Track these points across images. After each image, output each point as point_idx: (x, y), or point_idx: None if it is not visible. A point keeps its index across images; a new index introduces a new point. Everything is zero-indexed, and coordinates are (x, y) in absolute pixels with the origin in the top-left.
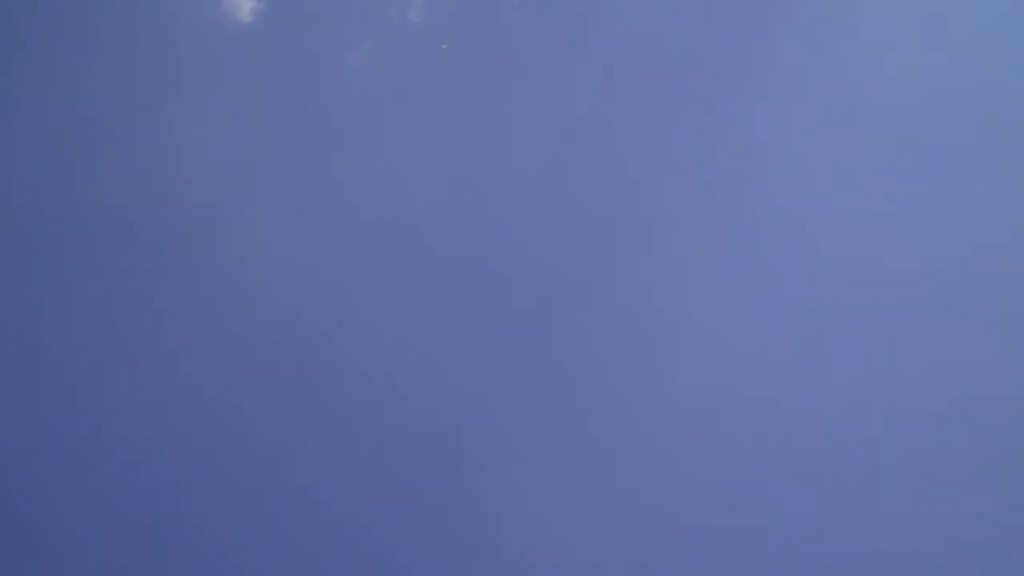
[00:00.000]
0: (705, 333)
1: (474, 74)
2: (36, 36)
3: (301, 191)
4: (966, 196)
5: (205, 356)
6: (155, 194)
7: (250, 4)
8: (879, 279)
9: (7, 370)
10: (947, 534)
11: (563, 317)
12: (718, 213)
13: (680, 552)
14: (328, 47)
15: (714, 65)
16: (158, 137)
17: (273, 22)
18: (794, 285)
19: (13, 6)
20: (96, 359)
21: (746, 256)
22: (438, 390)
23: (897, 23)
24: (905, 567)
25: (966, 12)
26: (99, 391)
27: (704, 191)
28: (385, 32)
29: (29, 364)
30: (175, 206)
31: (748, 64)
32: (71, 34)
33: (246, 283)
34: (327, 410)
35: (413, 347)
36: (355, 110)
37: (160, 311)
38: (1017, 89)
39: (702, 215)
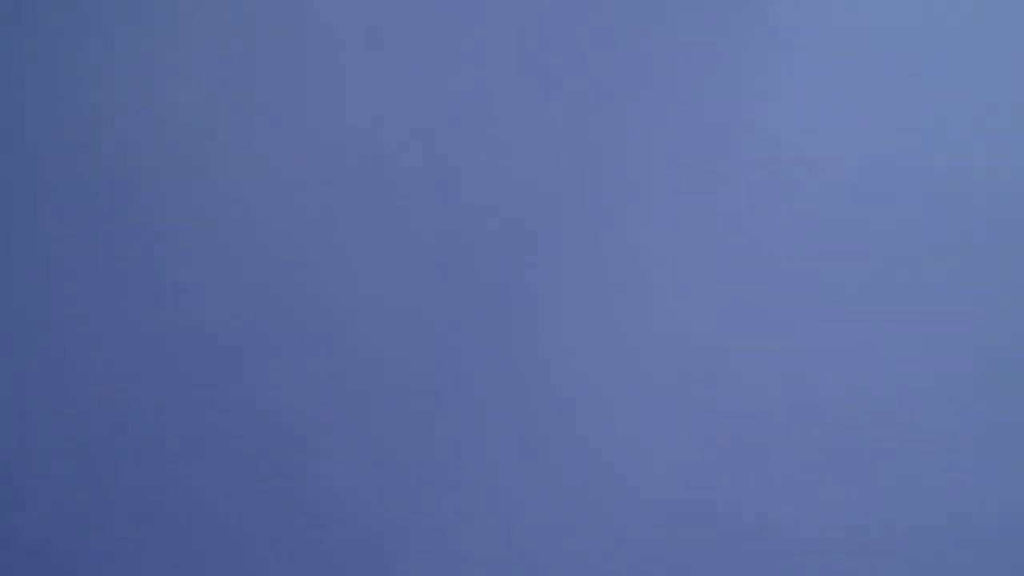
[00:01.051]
0: (692, 281)
1: (455, 7)
2: None
3: (276, 124)
4: (969, 135)
5: (191, 281)
6: (135, 114)
7: None
8: (875, 223)
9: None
10: (948, 509)
11: (544, 256)
12: (707, 151)
13: (657, 522)
14: None
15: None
16: (140, 58)
17: None
18: (785, 225)
19: None
20: (79, 290)
21: (735, 197)
22: (416, 331)
23: None
24: (906, 545)
25: None
26: (84, 326)
27: (693, 128)
28: None
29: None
30: (158, 128)
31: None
32: None
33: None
34: (313, 352)
35: (397, 290)
36: (338, 37)
37: (145, 232)
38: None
39: (691, 153)
